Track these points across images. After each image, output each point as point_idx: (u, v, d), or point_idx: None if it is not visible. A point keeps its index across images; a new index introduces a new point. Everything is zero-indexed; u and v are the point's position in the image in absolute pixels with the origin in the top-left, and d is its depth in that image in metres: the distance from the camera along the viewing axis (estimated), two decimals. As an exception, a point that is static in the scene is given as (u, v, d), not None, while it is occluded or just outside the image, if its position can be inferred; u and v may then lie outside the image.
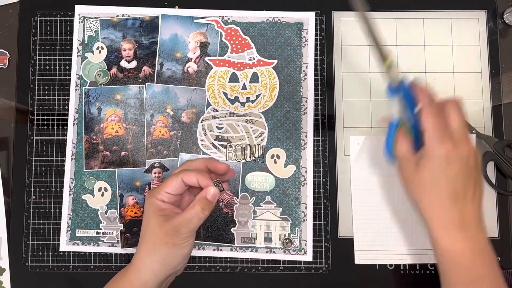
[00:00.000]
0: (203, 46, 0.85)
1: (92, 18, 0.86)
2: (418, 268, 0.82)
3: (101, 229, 0.82)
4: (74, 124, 0.84)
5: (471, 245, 0.66)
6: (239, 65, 0.85)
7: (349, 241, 0.83)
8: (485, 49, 0.87)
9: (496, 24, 0.87)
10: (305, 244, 0.82)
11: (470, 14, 0.87)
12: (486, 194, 0.82)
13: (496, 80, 0.86)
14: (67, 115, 0.84)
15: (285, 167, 0.83)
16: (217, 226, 0.82)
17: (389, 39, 0.87)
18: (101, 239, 0.82)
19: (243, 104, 0.84)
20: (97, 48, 0.85)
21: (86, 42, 0.86)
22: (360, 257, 0.82)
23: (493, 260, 0.67)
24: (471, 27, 0.87)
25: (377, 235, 0.82)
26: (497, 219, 0.83)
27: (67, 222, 0.82)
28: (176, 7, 0.87)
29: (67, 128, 0.84)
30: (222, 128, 0.84)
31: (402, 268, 0.82)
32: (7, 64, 0.86)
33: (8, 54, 0.86)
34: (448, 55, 0.87)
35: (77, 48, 0.85)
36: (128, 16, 0.86)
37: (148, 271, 0.66)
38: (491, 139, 0.83)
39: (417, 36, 0.87)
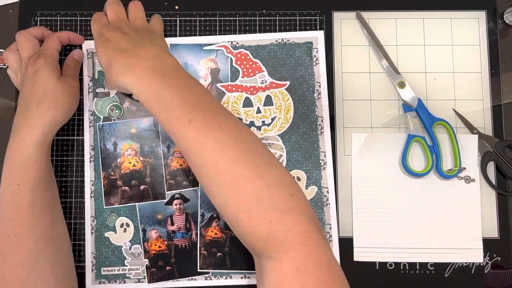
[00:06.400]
0: (214, 73, 0.85)
1: (100, 52, 0.85)
2: (418, 267, 0.82)
3: (126, 265, 0.81)
4: (90, 161, 0.83)
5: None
6: (251, 89, 0.84)
7: (349, 241, 0.83)
8: (485, 49, 0.87)
9: (496, 24, 0.87)
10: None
11: (470, 14, 0.88)
12: (486, 194, 0.83)
13: (496, 80, 0.86)
14: (82, 153, 0.84)
15: (306, 189, 0.83)
16: (243, 254, 0.81)
17: (389, 39, 0.87)
18: (127, 275, 0.81)
19: (259, 128, 0.84)
20: (109, 83, 0.85)
21: (96, 77, 0.85)
22: (359, 254, 0.82)
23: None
24: (471, 27, 0.88)
25: (377, 232, 0.82)
26: (497, 219, 0.83)
27: (92, 261, 0.81)
28: (176, 7, 0.88)
29: (83, 165, 0.84)
30: (239, 153, 0.83)
31: (402, 267, 0.82)
32: (7, 64, 0.86)
33: (8, 54, 0.87)
34: (448, 55, 0.87)
35: (88, 84, 0.85)
36: (136, 47, 0.85)
37: (51, 122, 0.75)
38: (492, 140, 0.84)
39: (417, 36, 0.88)
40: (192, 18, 0.89)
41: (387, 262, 0.82)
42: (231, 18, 0.88)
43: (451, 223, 0.82)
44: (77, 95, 0.80)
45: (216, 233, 0.81)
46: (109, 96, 0.84)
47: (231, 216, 0.65)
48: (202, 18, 0.89)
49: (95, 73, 0.85)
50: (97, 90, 0.84)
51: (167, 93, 0.68)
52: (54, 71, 0.77)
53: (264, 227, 0.62)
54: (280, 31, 0.87)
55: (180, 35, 0.88)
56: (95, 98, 0.84)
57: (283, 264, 0.61)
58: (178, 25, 0.88)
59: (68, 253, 0.78)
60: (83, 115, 0.84)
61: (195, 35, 0.88)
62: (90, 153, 0.83)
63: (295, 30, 0.87)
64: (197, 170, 0.67)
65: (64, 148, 0.85)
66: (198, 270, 0.81)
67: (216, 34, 0.87)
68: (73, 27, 0.87)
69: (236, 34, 0.86)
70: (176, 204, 0.82)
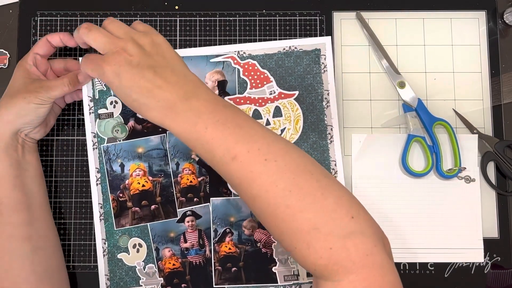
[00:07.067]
0: (221, 85, 0.82)
1: (100, 70, 0.81)
2: (418, 267, 0.83)
3: (141, 285, 0.80)
4: (97, 184, 0.80)
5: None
6: (260, 101, 0.83)
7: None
8: (485, 49, 0.87)
9: (496, 24, 0.87)
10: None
11: (470, 14, 0.88)
12: (486, 194, 0.85)
13: (496, 80, 0.87)
14: (87, 175, 0.82)
15: (318, 200, 0.82)
16: (258, 267, 0.81)
17: (389, 39, 0.87)
18: (143, 295, 0.81)
19: (268, 140, 0.82)
20: (111, 103, 0.81)
21: (97, 97, 0.81)
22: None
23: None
24: (471, 27, 0.88)
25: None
26: (497, 219, 0.84)
27: (106, 283, 0.80)
28: (176, 7, 0.86)
29: (90, 190, 0.82)
30: (249, 166, 0.82)
31: (402, 267, 0.83)
32: (7, 64, 0.85)
33: (8, 54, 0.86)
34: (448, 55, 0.87)
35: (89, 105, 0.80)
36: (139, 62, 0.81)
37: (2, 120, 0.72)
38: (492, 140, 0.84)
39: (417, 36, 0.88)
40: (192, 18, 0.86)
41: (387, 261, 0.84)
42: (231, 18, 0.86)
43: (451, 223, 0.83)
44: (32, 102, 0.72)
45: (230, 248, 0.81)
46: (112, 117, 0.81)
47: (289, 246, 0.62)
48: (202, 18, 0.86)
49: (95, 93, 0.80)
50: (99, 112, 0.81)
51: (205, 134, 0.63)
52: (24, 72, 0.76)
53: (324, 254, 0.59)
54: (280, 31, 0.86)
55: (180, 35, 0.85)
56: (98, 120, 0.80)
57: (343, 286, 0.58)
58: (178, 25, 0.86)
59: (52, 252, 0.77)
60: (85, 137, 0.82)
61: (195, 35, 0.86)
62: (96, 176, 0.80)
63: (295, 30, 0.86)
64: (249, 204, 0.64)
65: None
66: (214, 286, 0.81)
67: (216, 35, 0.86)
68: (73, 27, 0.85)
69: (242, 43, 0.84)
70: (188, 221, 0.81)
